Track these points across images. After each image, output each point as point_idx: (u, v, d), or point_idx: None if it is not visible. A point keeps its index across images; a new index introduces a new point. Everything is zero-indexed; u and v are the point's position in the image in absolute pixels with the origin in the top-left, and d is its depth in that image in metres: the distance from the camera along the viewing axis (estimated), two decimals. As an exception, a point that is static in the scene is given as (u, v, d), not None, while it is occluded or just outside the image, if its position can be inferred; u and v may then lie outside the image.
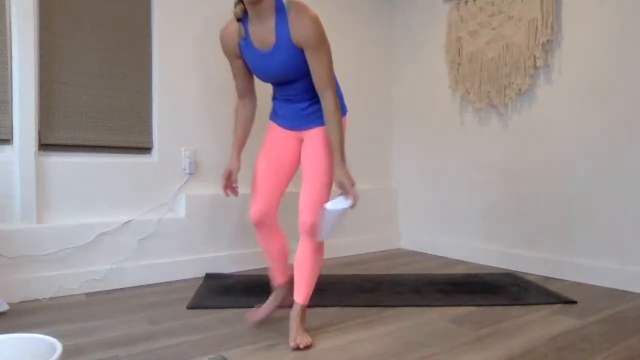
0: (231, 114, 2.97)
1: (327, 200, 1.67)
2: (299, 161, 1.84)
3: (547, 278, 2.79)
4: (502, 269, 3.05)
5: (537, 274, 2.88)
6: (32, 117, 2.28)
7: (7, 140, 2.27)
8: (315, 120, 1.76)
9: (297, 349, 1.66)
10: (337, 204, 1.60)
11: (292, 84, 1.71)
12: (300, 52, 1.59)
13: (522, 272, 2.93)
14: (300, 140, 1.83)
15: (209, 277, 2.71)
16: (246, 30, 1.65)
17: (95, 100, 2.51)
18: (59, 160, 2.39)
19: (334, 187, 1.70)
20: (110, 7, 2.54)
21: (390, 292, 2.44)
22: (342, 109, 1.73)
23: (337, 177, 1.64)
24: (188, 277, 2.71)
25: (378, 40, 3.77)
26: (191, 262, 2.74)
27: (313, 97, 1.74)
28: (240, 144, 1.90)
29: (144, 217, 2.60)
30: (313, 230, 1.70)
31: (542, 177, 2.89)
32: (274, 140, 1.85)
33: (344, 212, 1.61)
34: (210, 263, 2.81)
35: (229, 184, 1.82)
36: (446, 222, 3.49)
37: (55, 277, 2.30)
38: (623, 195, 2.53)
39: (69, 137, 2.44)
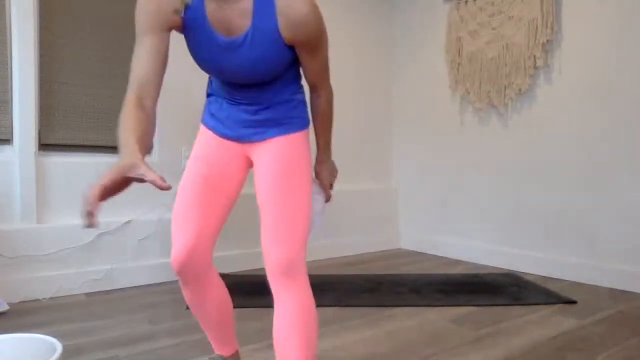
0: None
1: (308, 234, 1.19)
2: (241, 187, 1.31)
3: (546, 278, 2.79)
4: (502, 268, 3.05)
5: (537, 274, 2.88)
6: (32, 117, 2.28)
7: (7, 140, 2.27)
8: (274, 128, 1.23)
9: None
10: (318, 208, 1.34)
11: (258, 85, 1.20)
12: (284, 48, 1.11)
13: (522, 272, 2.93)
14: (247, 158, 1.29)
15: (209, 277, 2.71)
16: (202, 7, 1.09)
17: (95, 100, 2.51)
18: (59, 160, 2.39)
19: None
20: (110, 7, 2.54)
21: (391, 292, 2.44)
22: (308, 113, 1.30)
23: (323, 176, 1.36)
24: (188, 277, 2.71)
25: (378, 40, 3.77)
26: (191, 262, 2.73)
27: (276, 99, 1.23)
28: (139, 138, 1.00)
29: (143, 217, 2.60)
30: (287, 273, 1.12)
31: (541, 177, 2.89)
32: (210, 152, 1.26)
33: (321, 213, 1.36)
34: (210, 263, 2.80)
35: (101, 193, 0.84)
36: (446, 222, 3.48)
37: (55, 277, 2.31)
38: (623, 195, 2.53)
39: (69, 137, 2.44)
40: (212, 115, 1.29)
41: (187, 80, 2.78)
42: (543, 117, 2.89)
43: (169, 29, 1.11)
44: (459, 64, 3.31)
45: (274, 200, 1.16)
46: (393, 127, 3.90)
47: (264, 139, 1.23)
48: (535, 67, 2.89)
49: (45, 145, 2.37)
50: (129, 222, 2.53)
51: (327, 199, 1.37)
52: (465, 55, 3.25)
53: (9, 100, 2.26)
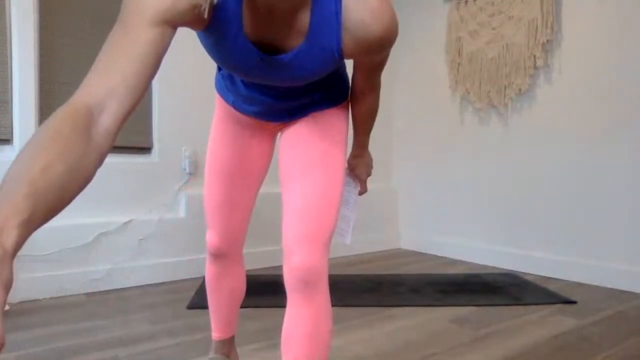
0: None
1: (331, 230, 1.01)
2: (269, 164, 1.24)
3: (547, 278, 2.79)
4: (502, 269, 3.05)
5: (537, 274, 2.88)
6: (32, 117, 2.28)
7: (7, 140, 2.27)
8: (313, 107, 1.07)
9: None
10: (351, 198, 1.25)
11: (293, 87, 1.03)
12: (338, 62, 0.92)
13: (522, 272, 2.93)
14: (274, 133, 1.20)
15: (209, 277, 2.71)
16: (238, 14, 0.83)
17: (95, 100, 2.51)
18: (59, 160, 2.39)
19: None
20: (110, 7, 2.54)
21: (391, 292, 2.44)
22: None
23: (359, 168, 1.25)
24: (188, 277, 2.71)
25: (378, 40, 3.77)
26: (191, 262, 2.74)
27: (314, 88, 1.05)
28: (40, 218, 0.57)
29: (143, 217, 2.60)
30: (320, 276, 0.98)
31: (542, 177, 2.89)
32: (237, 137, 1.16)
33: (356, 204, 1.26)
34: (210, 263, 2.80)
35: None
36: (446, 222, 3.49)
37: (55, 277, 2.31)
38: (623, 195, 2.53)
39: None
40: (228, 89, 1.11)
41: (188, 73, 2.78)
42: (543, 117, 2.89)
43: (178, 26, 0.76)
44: (459, 64, 3.31)
45: (301, 189, 1.01)
46: (393, 127, 3.90)
47: (295, 119, 1.08)
48: (535, 67, 2.89)
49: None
50: (129, 222, 2.53)
51: (362, 192, 1.29)
52: (465, 55, 3.26)
53: (9, 100, 2.26)
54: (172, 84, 2.73)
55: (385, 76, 3.83)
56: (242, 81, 1.05)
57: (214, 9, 0.79)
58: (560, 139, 2.80)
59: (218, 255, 1.24)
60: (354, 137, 1.21)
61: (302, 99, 1.05)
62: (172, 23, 0.74)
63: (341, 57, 0.89)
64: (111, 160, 2.54)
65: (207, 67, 2.85)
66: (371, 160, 1.27)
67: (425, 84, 3.61)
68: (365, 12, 0.82)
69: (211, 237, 1.22)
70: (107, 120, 0.67)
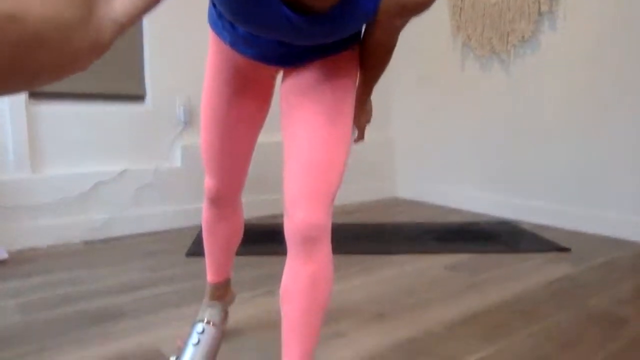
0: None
1: (337, 186, 0.96)
2: (268, 108, 1.16)
3: (543, 226, 2.81)
4: (498, 217, 3.08)
5: (533, 222, 2.91)
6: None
7: (-5, 88, 2.21)
8: (323, 51, 0.96)
9: None
10: None
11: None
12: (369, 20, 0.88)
13: (519, 221, 2.95)
14: (274, 76, 1.10)
15: (206, 226, 2.72)
16: None
17: (84, 45, 2.43)
18: (51, 109, 2.34)
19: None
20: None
21: (388, 240, 2.46)
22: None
23: (364, 116, 1.20)
24: (186, 225, 2.72)
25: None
26: (189, 211, 2.74)
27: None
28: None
29: (140, 166, 2.58)
30: (323, 232, 0.95)
31: (542, 126, 2.86)
32: (234, 81, 1.06)
33: None
34: (208, 212, 2.81)
35: None
36: (444, 171, 3.48)
37: (53, 226, 2.31)
38: (622, 144, 2.51)
39: (60, 85, 2.37)
40: (224, 27, 0.98)
41: (180, 18, 2.68)
42: (546, 64, 2.82)
43: None
44: (460, 9, 3.19)
45: (307, 139, 0.92)
46: (391, 74, 3.82)
47: (301, 64, 0.97)
48: (540, 13, 2.79)
49: (35, 94, 2.31)
50: (124, 171, 2.51)
51: (359, 140, 1.22)
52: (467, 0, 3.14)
53: (-5, 45, 2.18)
54: (164, 29, 2.63)
55: (385, 22, 3.71)
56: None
57: None
58: (563, 87, 2.75)
59: (215, 200, 1.21)
60: (360, 74, 1.08)
61: (313, 46, 0.95)
62: None
63: (374, 15, 0.83)
64: (104, 109, 2.49)
65: (198, 10, 2.75)
66: (371, 108, 1.22)
67: (426, 29, 3.50)
68: None
69: (208, 183, 1.19)
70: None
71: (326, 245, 0.96)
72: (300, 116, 0.95)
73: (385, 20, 0.87)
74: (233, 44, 0.99)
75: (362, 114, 1.17)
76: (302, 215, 0.91)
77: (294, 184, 0.93)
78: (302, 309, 0.95)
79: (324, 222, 0.93)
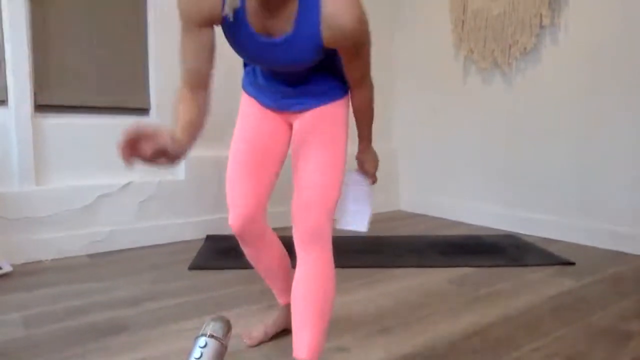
0: (231, 72, 2.92)
1: (337, 201, 1.23)
2: (287, 151, 1.37)
3: (546, 240, 2.80)
4: (502, 230, 3.07)
5: (537, 235, 2.90)
6: (26, 78, 2.24)
7: (2, 102, 2.23)
8: (313, 99, 1.25)
9: None
10: (365, 192, 1.35)
11: (297, 70, 1.20)
12: (322, 50, 1.10)
13: (522, 234, 2.95)
14: (289, 125, 1.34)
15: (209, 238, 2.73)
16: (242, 7, 1.07)
17: (91, 60, 2.45)
18: (56, 122, 2.36)
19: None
20: (103, -38, 2.45)
21: (391, 253, 2.45)
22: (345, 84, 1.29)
23: (368, 163, 1.39)
24: (189, 238, 2.73)
25: (380, -3, 3.66)
26: (192, 224, 2.75)
27: (314, 75, 1.24)
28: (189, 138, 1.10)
29: (143, 179, 2.59)
30: (315, 238, 1.18)
31: (544, 138, 2.86)
32: (255, 122, 1.32)
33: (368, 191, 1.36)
34: (211, 225, 2.82)
35: (132, 150, 0.90)
36: (447, 183, 3.48)
37: (56, 238, 2.32)
38: (625, 157, 2.51)
39: (66, 98, 2.39)
40: (251, 83, 1.32)
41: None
42: (548, 77, 2.83)
43: (212, 26, 1.10)
44: (463, 22, 3.22)
45: (308, 166, 1.21)
46: (394, 86, 3.84)
47: (304, 109, 1.26)
48: (542, 26, 2.81)
49: (41, 107, 2.33)
50: (128, 184, 2.52)
51: (372, 182, 1.40)
52: (470, 12, 3.16)
53: (2, 60, 2.20)
54: (169, 43, 2.66)
55: (387, 34, 3.74)
56: (261, 72, 1.27)
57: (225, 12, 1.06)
58: (564, 100, 2.75)
59: (242, 233, 1.33)
60: (357, 131, 1.33)
61: (309, 90, 1.24)
62: (203, 24, 1.08)
63: (322, 45, 1.07)
64: (109, 121, 2.51)
65: (204, 25, 2.78)
66: (376, 155, 1.40)
67: (428, 42, 3.52)
68: (337, 6, 1.01)
69: (232, 219, 1.33)
70: (200, 92, 1.12)
71: (327, 249, 1.20)
72: (303, 152, 1.23)
73: (340, 49, 1.11)
74: (257, 97, 1.31)
75: (369, 162, 1.38)
76: (303, 222, 1.18)
77: (300, 200, 1.20)
78: (307, 309, 1.16)
79: (324, 226, 1.18)
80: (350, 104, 1.29)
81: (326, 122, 1.24)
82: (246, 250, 1.39)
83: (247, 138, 1.32)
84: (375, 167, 1.40)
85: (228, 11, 1.06)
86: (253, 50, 1.14)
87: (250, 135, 1.32)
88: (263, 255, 1.39)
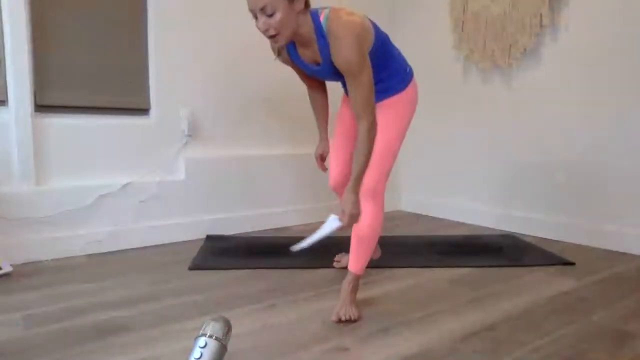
0: (231, 73, 2.92)
1: (390, 168, 1.73)
2: None
3: (546, 240, 2.81)
4: (501, 230, 3.07)
5: (537, 235, 2.90)
6: (26, 77, 2.24)
7: (2, 102, 2.23)
8: (380, 95, 1.72)
9: (339, 321, 1.58)
10: (330, 223, 1.64)
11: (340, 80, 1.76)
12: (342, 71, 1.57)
13: (522, 234, 2.95)
14: None
15: (210, 238, 2.73)
16: (294, 47, 1.65)
17: (91, 60, 2.45)
18: (56, 122, 2.36)
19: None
20: (103, -38, 2.44)
21: (391, 253, 2.45)
22: (408, 71, 1.83)
23: (343, 202, 1.57)
24: (189, 238, 2.73)
25: (380, -3, 3.66)
26: (192, 224, 2.75)
27: (375, 80, 1.62)
28: (324, 126, 2.06)
29: (143, 179, 2.59)
30: (371, 194, 1.68)
31: (544, 138, 2.86)
32: (346, 112, 1.95)
33: (332, 230, 1.64)
34: (211, 225, 2.82)
35: (322, 164, 2.07)
36: (447, 183, 3.48)
37: (56, 239, 2.32)
38: (625, 157, 2.51)
39: (66, 98, 2.39)
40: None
41: (184, 33, 2.71)
42: (548, 77, 2.83)
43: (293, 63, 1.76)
44: (463, 22, 3.22)
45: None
46: (394, 88, 3.83)
47: (376, 102, 1.65)
48: (542, 26, 2.81)
49: (41, 107, 2.33)
50: (128, 184, 2.52)
51: (343, 225, 1.59)
52: (470, 12, 3.16)
53: (1, 59, 2.20)
54: (169, 43, 2.66)
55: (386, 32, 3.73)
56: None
57: (284, 50, 1.71)
58: (565, 100, 2.75)
59: (334, 189, 2.05)
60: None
61: (376, 89, 1.66)
62: (289, 62, 1.78)
63: (335, 66, 1.56)
64: (109, 121, 2.51)
65: (203, 25, 2.78)
66: (354, 202, 1.56)
67: (428, 42, 3.52)
68: (336, 48, 1.50)
69: (330, 179, 2.03)
70: (320, 90, 1.99)
71: (380, 198, 1.72)
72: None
73: (344, 74, 1.55)
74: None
75: (343, 201, 1.59)
76: (365, 180, 1.63)
77: (343, 167, 2.00)
78: (358, 233, 1.72)
79: (376, 183, 1.69)
80: (412, 95, 1.82)
81: (386, 111, 1.73)
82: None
83: (340, 122, 1.98)
84: (349, 210, 1.56)
85: (274, 54, 1.75)
86: (310, 73, 1.72)
87: (341, 119, 1.98)
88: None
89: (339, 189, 2.03)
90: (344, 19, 1.49)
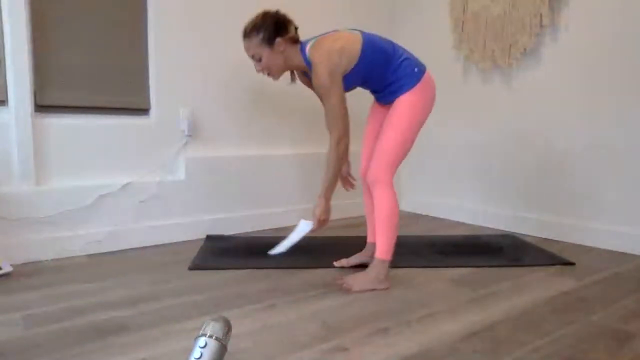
0: (231, 73, 2.92)
1: (395, 160, 1.88)
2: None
3: (546, 240, 2.81)
4: (501, 230, 3.07)
5: (537, 235, 2.90)
6: (26, 77, 2.23)
7: (2, 102, 2.23)
8: (391, 96, 1.94)
9: (341, 289, 1.86)
10: (301, 227, 1.83)
11: (363, 88, 2.06)
12: (345, 84, 1.89)
13: (522, 234, 2.95)
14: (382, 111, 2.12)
15: (209, 238, 2.73)
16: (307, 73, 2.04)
17: (91, 60, 2.45)
18: (56, 122, 2.36)
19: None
20: (103, -38, 2.44)
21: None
22: (417, 71, 1.91)
23: (314, 207, 1.90)
24: (189, 238, 2.73)
25: (380, -3, 3.66)
26: (192, 224, 2.75)
27: (386, 83, 1.93)
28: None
29: (143, 179, 2.59)
30: (376, 183, 1.87)
31: (544, 138, 2.86)
32: (373, 112, 2.15)
33: (303, 234, 1.81)
34: (211, 225, 2.82)
35: (346, 181, 2.21)
36: (447, 184, 3.48)
37: (56, 239, 2.32)
38: (624, 157, 2.51)
39: (66, 98, 2.39)
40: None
41: (184, 34, 2.71)
42: (548, 77, 2.83)
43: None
44: (463, 22, 3.22)
45: (379, 138, 1.92)
46: (394, 88, 3.83)
47: (389, 102, 1.97)
48: (542, 26, 2.81)
49: (41, 107, 2.33)
50: (128, 184, 2.52)
51: (314, 229, 1.89)
52: (470, 12, 3.16)
53: (1, 59, 2.20)
54: (169, 42, 2.66)
55: (386, 34, 3.74)
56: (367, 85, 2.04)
57: (296, 76, 2.14)
58: (565, 100, 2.75)
59: (363, 180, 2.17)
60: None
61: (386, 92, 1.97)
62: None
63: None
64: (109, 121, 2.51)
65: (203, 25, 2.78)
66: (323, 206, 1.89)
67: (428, 42, 3.52)
68: (312, 66, 1.81)
69: (360, 169, 2.19)
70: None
71: (384, 185, 1.86)
72: (381, 129, 1.97)
73: (318, 95, 1.92)
74: (375, 99, 2.17)
75: (317, 207, 1.90)
76: (369, 173, 1.90)
77: (369, 162, 2.05)
78: (377, 219, 1.87)
79: (378, 173, 1.87)
80: (421, 94, 1.90)
81: (393, 110, 1.91)
82: (364, 195, 2.19)
83: (368, 120, 2.17)
84: (318, 214, 1.87)
85: (291, 81, 2.16)
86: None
87: (370, 118, 2.17)
88: (367, 198, 2.17)
89: (364, 180, 2.16)
90: (323, 48, 1.80)
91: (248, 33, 1.87)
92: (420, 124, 1.93)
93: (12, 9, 2.17)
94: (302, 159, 3.19)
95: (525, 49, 2.89)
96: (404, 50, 1.98)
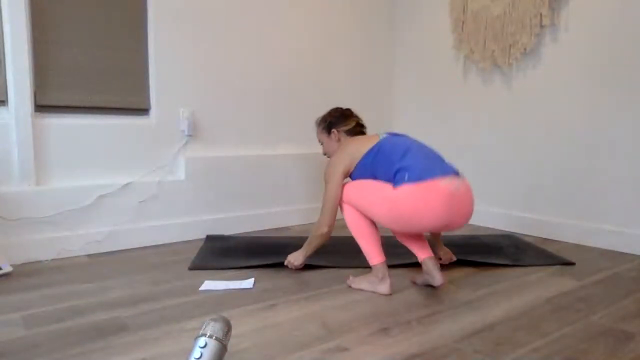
0: (231, 73, 2.92)
1: (357, 203, 1.93)
2: None
3: (546, 239, 2.81)
4: (501, 230, 3.07)
5: (537, 235, 2.90)
6: (26, 77, 2.24)
7: (2, 102, 2.23)
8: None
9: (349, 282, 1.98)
10: (244, 282, 1.95)
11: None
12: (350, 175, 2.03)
13: (522, 234, 2.95)
14: None
15: (209, 238, 2.73)
16: None
17: (91, 60, 2.45)
18: (56, 122, 2.36)
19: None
20: (103, -38, 2.44)
21: (390, 253, 2.45)
22: (407, 179, 1.78)
23: (292, 255, 2.10)
24: (189, 238, 2.73)
25: (380, -3, 3.66)
26: (192, 224, 2.75)
27: (389, 180, 1.88)
28: None
29: (143, 179, 2.59)
30: (343, 210, 2.00)
31: (544, 138, 2.86)
32: None
33: (240, 287, 1.91)
34: (211, 225, 2.82)
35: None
36: (447, 184, 3.47)
37: (56, 239, 2.32)
38: (624, 157, 2.51)
39: (66, 99, 2.39)
40: None
41: (185, 34, 2.71)
42: (548, 77, 2.83)
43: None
44: (463, 22, 3.22)
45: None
46: (394, 87, 3.84)
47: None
48: (542, 26, 2.81)
49: (41, 107, 2.33)
50: (128, 184, 2.52)
51: (286, 263, 2.11)
52: (470, 12, 3.16)
53: (1, 59, 2.20)
54: (169, 42, 2.66)
55: (387, 35, 3.74)
56: None
57: None
58: (564, 100, 2.75)
59: None
60: None
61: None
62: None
63: (368, 164, 1.98)
64: (109, 121, 2.51)
65: (203, 24, 2.78)
66: (296, 257, 2.10)
67: (428, 42, 3.53)
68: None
69: None
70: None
71: (347, 211, 1.97)
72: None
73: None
74: None
75: (293, 256, 2.11)
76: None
77: None
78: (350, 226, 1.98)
79: (346, 200, 1.97)
80: (396, 195, 1.80)
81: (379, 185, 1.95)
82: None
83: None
84: (293, 261, 2.09)
85: None
86: None
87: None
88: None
89: None
90: (342, 146, 2.05)
91: (317, 123, 2.24)
92: (404, 218, 1.81)
93: (12, 9, 2.17)
94: (302, 159, 3.19)
95: (525, 49, 2.89)
96: (422, 157, 1.91)
